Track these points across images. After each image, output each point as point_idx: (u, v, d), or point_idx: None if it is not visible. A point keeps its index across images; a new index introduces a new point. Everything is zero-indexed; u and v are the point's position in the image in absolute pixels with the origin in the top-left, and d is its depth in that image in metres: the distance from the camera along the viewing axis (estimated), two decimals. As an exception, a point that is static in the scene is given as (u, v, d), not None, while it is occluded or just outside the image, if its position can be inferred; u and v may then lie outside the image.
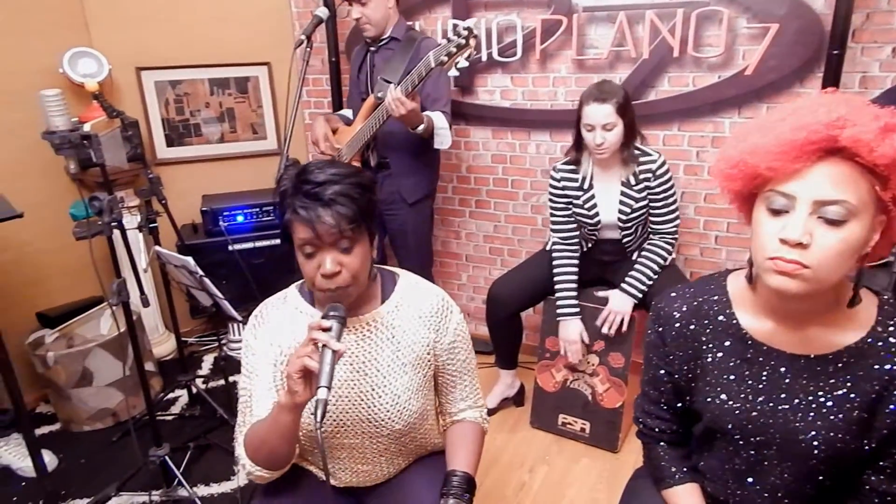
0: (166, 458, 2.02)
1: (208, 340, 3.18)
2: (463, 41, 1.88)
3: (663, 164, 2.03)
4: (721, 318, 1.05)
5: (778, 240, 0.87)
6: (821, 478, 1.00)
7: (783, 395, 1.00)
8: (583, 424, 2.31)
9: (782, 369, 1.00)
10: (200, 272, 2.03)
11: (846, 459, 0.98)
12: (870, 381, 0.94)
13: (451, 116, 2.36)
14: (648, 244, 2.14)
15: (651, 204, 2.08)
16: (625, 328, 2.13)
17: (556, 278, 2.21)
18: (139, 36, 2.82)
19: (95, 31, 2.74)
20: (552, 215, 2.22)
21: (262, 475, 1.19)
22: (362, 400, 1.23)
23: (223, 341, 3.07)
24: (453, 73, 1.97)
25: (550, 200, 2.21)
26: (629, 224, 2.11)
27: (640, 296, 2.11)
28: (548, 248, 2.32)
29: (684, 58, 2.26)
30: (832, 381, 0.97)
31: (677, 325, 1.08)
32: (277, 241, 2.89)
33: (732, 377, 1.03)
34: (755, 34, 2.13)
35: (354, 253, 1.12)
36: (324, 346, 1.01)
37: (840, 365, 0.96)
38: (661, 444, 1.19)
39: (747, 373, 1.02)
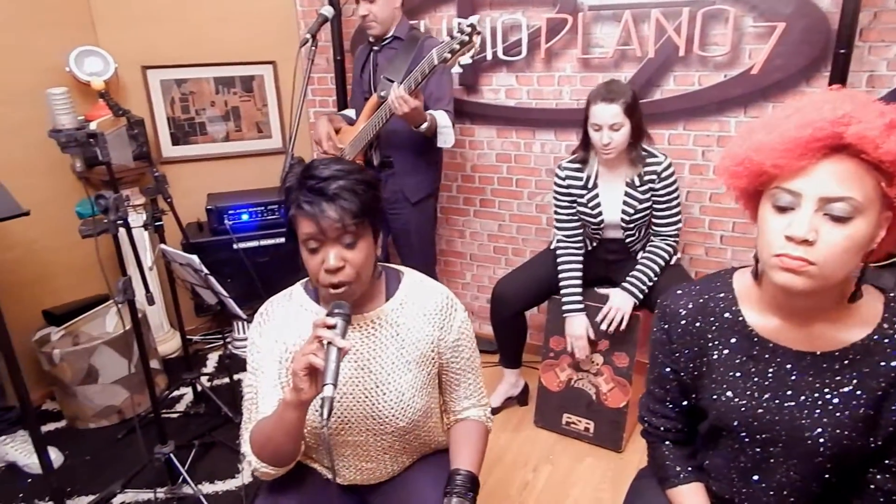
0: (171, 455, 2.03)
1: (213, 338, 3.19)
2: (466, 38, 1.88)
3: (669, 166, 2.03)
4: (727, 315, 1.05)
5: (784, 237, 0.87)
6: (827, 476, 1.00)
7: (789, 393, 0.99)
8: (587, 424, 2.31)
9: (788, 366, 1.00)
10: (205, 270, 2.04)
11: (852, 457, 0.98)
12: (876, 378, 0.94)
13: (455, 115, 2.36)
14: (650, 246, 2.14)
15: (654, 206, 2.08)
16: (624, 326, 2.12)
17: (560, 275, 2.21)
18: (145, 35, 2.83)
19: (102, 30, 2.75)
20: (556, 213, 2.22)
21: (267, 472, 1.20)
22: (367, 397, 1.23)
23: (228, 339, 3.08)
24: (456, 69, 1.98)
25: (555, 198, 2.21)
26: (632, 225, 2.11)
27: (641, 296, 2.11)
28: (552, 247, 2.32)
29: (690, 57, 2.25)
30: (838, 378, 0.96)
31: (683, 322, 1.08)
32: (282, 240, 2.90)
33: (738, 374, 1.03)
34: (761, 33, 2.12)
35: (358, 248, 1.12)
36: (329, 343, 1.02)
37: (846, 362, 0.96)
38: (666, 443, 1.18)
39: (753, 370, 1.02)
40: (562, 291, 2.21)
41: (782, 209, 0.88)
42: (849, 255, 0.86)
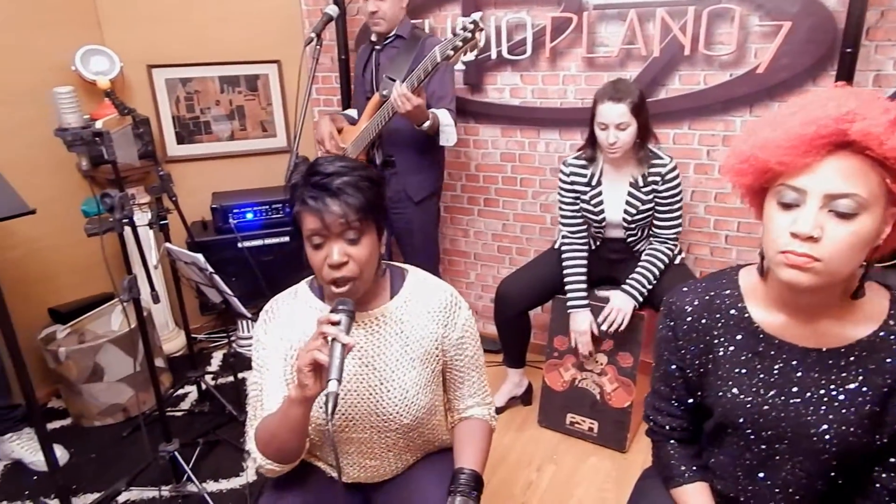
0: (176, 453, 2.04)
1: (218, 337, 3.20)
2: (469, 35, 1.88)
3: (673, 169, 2.02)
4: (733, 311, 1.05)
5: (789, 233, 0.87)
6: (832, 474, 1.00)
7: (795, 389, 0.99)
8: (591, 424, 2.31)
9: (794, 363, 1.00)
10: (210, 269, 2.04)
11: (857, 455, 0.98)
12: (882, 375, 0.94)
13: (460, 114, 2.36)
14: (649, 248, 2.14)
15: (656, 207, 2.08)
16: (624, 327, 2.12)
17: (565, 271, 2.20)
18: (150, 34, 2.84)
19: (107, 29, 2.76)
20: (561, 209, 2.22)
21: (272, 468, 1.20)
22: (371, 394, 1.23)
23: (232, 338, 3.09)
24: (459, 66, 1.97)
25: (559, 194, 2.21)
26: (634, 225, 2.11)
27: (641, 298, 2.11)
28: (556, 246, 2.32)
29: (695, 56, 2.24)
30: (844, 374, 0.96)
31: (689, 318, 1.08)
32: (286, 239, 2.91)
33: (744, 371, 1.03)
34: (767, 32, 2.11)
35: (362, 244, 1.13)
36: (333, 339, 1.02)
37: (852, 359, 0.96)
38: (671, 441, 1.18)
39: (759, 366, 1.02)
40: (566, 287, 2.21)
41: (787, 206, 0.88)
42: (854, 251, 0.86)
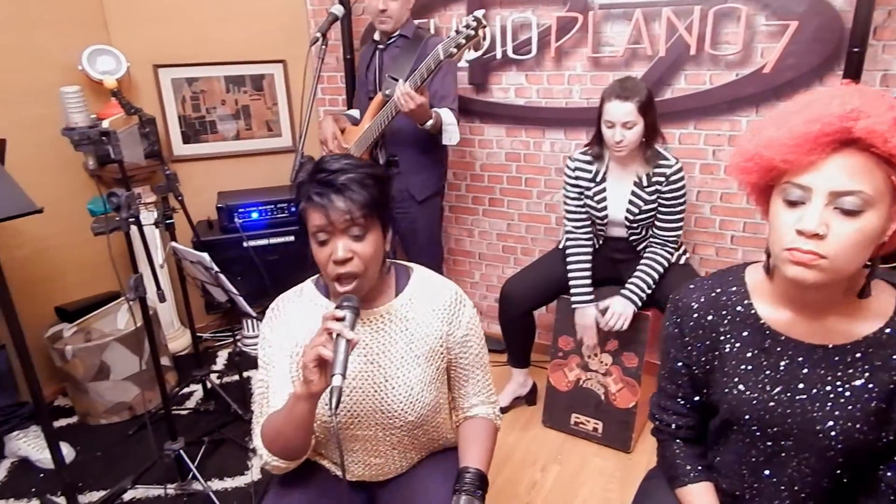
0: (181, 451, 2.05)
1: (223, 336, 3.21)
2: (472, 32, 1.88)
3: (679, 171, 2.02)
4: (739, 308, 1.05)
5: (794, 231, 0.87)
6: (838, 471, 1.00)
7: (801, 386, 0.99)
8: (595, 424, 2.30)
9: (800, 359, 1.00)
10: (216, 268, 2.05)
11: (863, 452, 0.98)
12: (888, 372, 0.94)
13: (465, 114, 2.36)
14: (648, 251, 2.13)
15: (659, 209, 2.07)
16: (625, 328, 2.12)
17: (569, 267, 2.20)
18: (157, 34, 2.85)
19: (114, 29, 2.78)
20: (566, 204, 2.22)
21: (278, 465, 1.21)
22: (376, 391, 1.24)
23: (238, 337, 3.10)
24: (463, 63, 1.97)
25: (564, 189, 2.21)
26: (636, 224, 2.10)
27: (640, 303, 2.11)
28: (560, 246, 2.32)
29: (701, 55, 2.24)
30: (850, 371, 0.97)
31: (695, 315, 1.08)
32: (292, 238, 2.91)
33: (750, 367, 1.03)
34: (774, 31, 2.10)
35: (366, 241, 1.14)
36: (338, 335, 1.03)
37: (858, 355, 0.96)
38: (677, 441, 1.18)
39: (765, 363, 1.02)
40: (570, 283, 2.20)
41: (793, 203, 0.89)
42: (860, 248, 0.86)
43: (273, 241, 2.90)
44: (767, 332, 1.02)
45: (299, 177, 1.17)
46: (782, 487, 1.04)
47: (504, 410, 2.47)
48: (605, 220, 2.14)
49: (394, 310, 1.26)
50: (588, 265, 2.20)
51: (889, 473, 0.99)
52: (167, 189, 2.33)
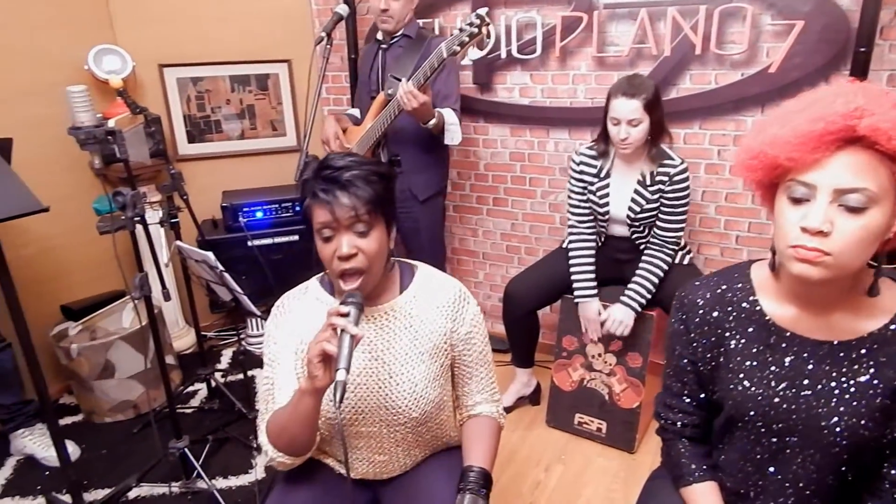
0: (186, 450, 2.05)
1: (227, 335, 3.22)
2: (476, 30, 1.88)
3: (683, 171, 2.00)
4: (744, 304, 1.05)
5: (799, 228, 0.88)
6: (843, 468, 1.00)
7: (806, 381, 0.99)
8: (599, 424, 2.30)
9: (805, 355, 1.00)
10: (221, 267, 2.05)
11: (868, 449, 0.97)
12: (893, 368, 0.94)
13: (469, 114, 2.35)
14: (647, 255, 2.12)
15: (661, 208, 2.06)
16: (625, 334, 2.12)
17: (571, 261, 2.20)
18: (162, 34, 2.86)
19: (120, 29, 2.79)
20: (570, 198, 2.22)
21: (283, 461, 1.22)
22: (380, 388, 1.24)
23: (242, 336, 3.11)
24: (467, 62, 1.97)
25: (569, 183, 2.21)
26: (637, 223, 2.09)
27: (640, 309, 2.11)
28: (564, 245, 2.31)
29: (707, 55, 2.23)
30: (855, 367, 0.97)
31: (701, 311, 1.08)
32: (296, 238, 2.92)
33: (755, 363, 1.03)
34: (779, 31, 2.09)
35: (371, 237, 1.14)
36: (342, 330, 1.04)
37: (863, 351, 0.96)
38: (683, 440, 1.18)
39: (770, 359, 1.02)
40: (573, 277, 2.20)
41: (798, 201, 0.89)
42: (864, 244, 0.87)
43: (277, 240, 2.90)
44: (773, 328, 1.02)
45: (304, 175, 1.18)
46: (787, 485, 1.04)
47: (508, 410, 2.47)
48: (607, 217, 2.14)
49: (398, 307, 1.26)
50: (591, 259, 2.20)
51: (893, 471, 0.98)
52: (172, 188, 2.34)
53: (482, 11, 1.87)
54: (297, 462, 1.24)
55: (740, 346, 1.05)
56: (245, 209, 2.87)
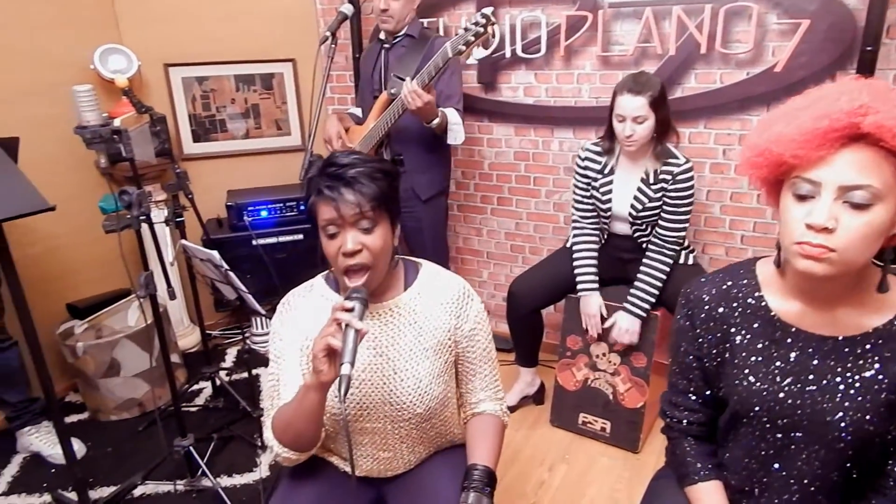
0: (191, 448, 2.06)
1: (232, 334, 3.22)
2: (481, 29, 1.88)
3: (687, 171, 2.00)
4: (750, 300, 1.05)
5: (804, 225, 0.88)
6: (848, 465, 1.00)
7: (811, 377, 1.00)
8: (603, 424, 2.30)
9: (810, 351, 1.00)
10: (225, 266, 2.06)
11: (873, 444, 0.97)
12: None
13: (474, 113, 2.35)
14: (648, 255, 2.11)
15: (663, 207, 2.06)
16: (633, 342, 2.12)
17: (574, 255, 2.20)
18: (167, 33, 2.87)
19: (125, 29, 2.80)
20: (574, 193, 2.22)
21: (289, 456, 1.22)
22: (385, 384, 1.25)
23: (247, 335, 3.11)
24: (472, 61, 1.97)
25: (574, 178, 2.21)
26: (640, 221, 2.09)
27: (645, 315, 2.11)
28: (568, 244, 2.31)
29: (712, 54, 2.22)
30: (860, 362, 0.97)
31: (706, 307, 1.09)
32: (301, 237, 2.93)
33: (760, 359, 1.04)
34: (785, 30, 2.09)
35: (375, 234, 1.15)
36: (346, 325, 1.04)
37: (868, 347, 0.96)
38: (688, 438, 1.18)
39: (775, 354, 1.03)
40: (576, 271, 2.20)
41: (802, 198, 0.90)
42: (868, 241, 0.87)
43: (282, 239, 2.91)
44: (778, 323, 1.02)
45: (310, 173, 1.18)
46: (791, 481, 1.04)
47: (512, 409, 2.47)
48: (609, 214, 2.14)
49: (402, 303, 1.27)
50: (594, 255, 2.20)
51: None
52: (177, 187, 2.35)
53: (487, 11, 1.87)
54: (303, 458, 1.24)
55: (745, 341, 1.05)
56: (250, 208, 2.88)
